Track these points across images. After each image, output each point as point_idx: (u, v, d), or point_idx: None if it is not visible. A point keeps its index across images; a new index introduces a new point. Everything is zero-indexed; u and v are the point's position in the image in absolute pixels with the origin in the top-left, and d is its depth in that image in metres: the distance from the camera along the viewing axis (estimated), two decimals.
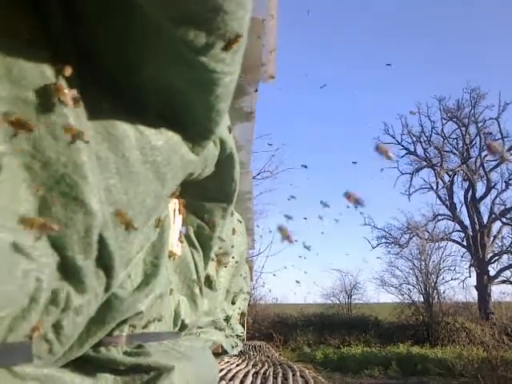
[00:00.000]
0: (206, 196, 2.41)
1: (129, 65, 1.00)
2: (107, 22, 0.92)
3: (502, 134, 28.78)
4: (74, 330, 1.06)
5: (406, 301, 26.42)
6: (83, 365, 1.34)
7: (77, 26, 0.96)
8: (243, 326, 11.20)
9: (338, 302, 29.47)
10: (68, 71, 0.88)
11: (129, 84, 1.05)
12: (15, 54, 0.83)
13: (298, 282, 15.85)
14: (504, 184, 28.59)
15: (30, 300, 0.81)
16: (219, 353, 4.51)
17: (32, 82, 0.84)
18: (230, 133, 2.15)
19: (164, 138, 1.13)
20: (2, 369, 0.76)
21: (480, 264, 26.62)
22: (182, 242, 2.33)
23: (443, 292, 26.22)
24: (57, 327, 0.98)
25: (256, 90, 2.88)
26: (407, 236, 28.72)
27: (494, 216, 28.09)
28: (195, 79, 0.99)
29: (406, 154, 30.76)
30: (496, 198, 28.50)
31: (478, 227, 27.87)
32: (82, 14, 0.94)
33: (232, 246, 3.79)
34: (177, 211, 2.24)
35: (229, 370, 3.40)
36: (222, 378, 2.74)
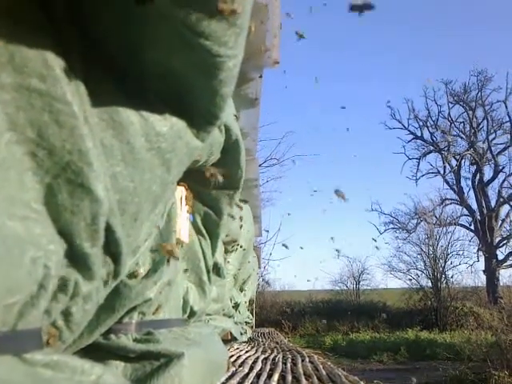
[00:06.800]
0: (213, 183, 2.41)
1: (131, 49, 0.99)
2: (108, 6, 0.91)
3: (509, 117, 28.55)
4: (84, 318, 1.06)
5: (414, 286, 26.41)
6: (93, 352, 1.36)
7: (78, 12, 0.95)
8: (252, 313, 11.26)
9: (345, 288, 29.52)
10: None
11: (132, 70, 1.05)
12: (18, 41, 0.82)
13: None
14: None
15: (39, 287, 0.81)
16: (228, 339, 4.55)
17: (34, 70, 0.84)
18: (236, 121, 2.14)
19: (168, 124, 1.12)
20: (12, 356, 0.77)
21: (488, 248, 26.53)
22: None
23: (451, 277, 26.13)
24: (66, 314, 0.98)
25: (260, 76, 2.87)
26: (415, 221, 28.64)
27: (502, 200, 27.92)
28: (198, 63, 0.98)
29: (413, 138, 30.59)
30: (504, 181, 28.33)
31: (485, 211, 27.73)
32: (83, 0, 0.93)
33: (239, 234, 3.80)
34: (183, 199, 2.24)
35: (238, 357, 3.42)
36: (231, 364, 2.76)
